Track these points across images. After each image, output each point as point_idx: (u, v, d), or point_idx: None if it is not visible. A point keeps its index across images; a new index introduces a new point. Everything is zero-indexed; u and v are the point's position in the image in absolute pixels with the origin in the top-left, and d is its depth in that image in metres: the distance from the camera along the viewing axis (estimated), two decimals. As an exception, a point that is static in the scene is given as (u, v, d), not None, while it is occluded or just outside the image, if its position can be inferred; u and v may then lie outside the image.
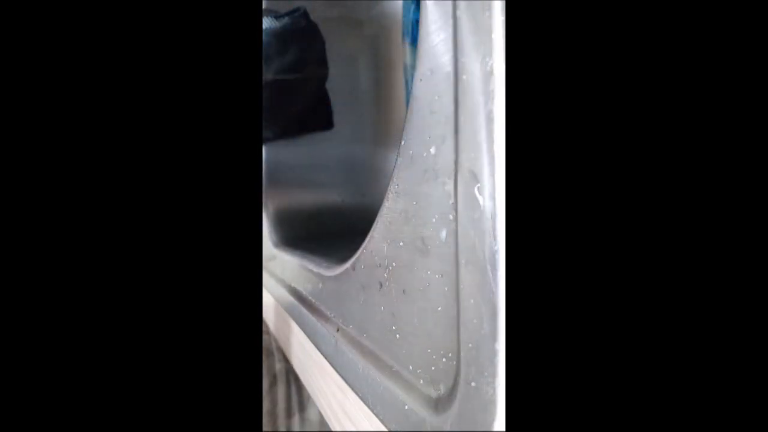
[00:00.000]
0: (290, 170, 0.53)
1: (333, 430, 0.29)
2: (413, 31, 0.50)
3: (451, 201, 0.14)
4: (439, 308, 0.15)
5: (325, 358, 0.29)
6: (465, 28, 0.13)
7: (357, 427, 0.24)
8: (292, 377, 0.60)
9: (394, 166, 0.18)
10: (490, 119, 0.12)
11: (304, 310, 0.33)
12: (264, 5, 0.49)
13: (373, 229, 0.20)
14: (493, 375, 0.12)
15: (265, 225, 0.51)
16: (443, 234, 0.15)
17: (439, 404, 0.15)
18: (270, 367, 0.60)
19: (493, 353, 0.12)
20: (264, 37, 0.44)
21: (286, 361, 0.58)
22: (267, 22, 0.44)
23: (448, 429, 0.14)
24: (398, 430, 0.18)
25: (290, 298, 0.38)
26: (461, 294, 0.13)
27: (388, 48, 0.55)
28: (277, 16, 0.45)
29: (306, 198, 0.54)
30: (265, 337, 0.59)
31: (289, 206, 0.52)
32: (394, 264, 0.18)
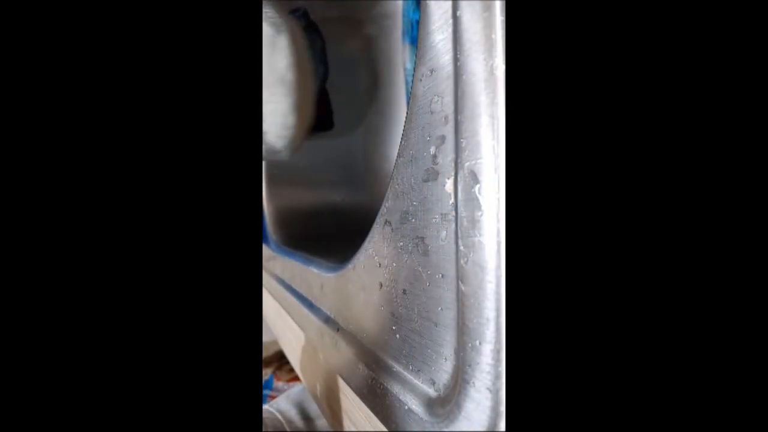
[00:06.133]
0: (290, 170, 0.53)
1: (333, 430, 0.29)
2: (413, 31, 0.50)
3: (451, 201, 0.14)
4: (439, 308, 0.15)
5: (326, 358, 0.29)
6: (465, 28, 0.13)
7: (357, 427, 0.24)
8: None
9: (394, 166, 0.18)
10: (490, 119, 0.12)
11: (304, 310, 0.33)
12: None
13: (373, 229, 0.20)
14: (494, 375, 0.12)
15: (265, 225, 0.51)
16: (443, 234, 0.15)
17: (439, 404, 0.15)
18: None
19: (494, 353, 0.12)
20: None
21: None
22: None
23: (448, 429, 0.14)
24: (398, 430, 0.18)
25: (290, 298, 0.38)
26: (461, 294, 0.13)
27: (388, 48, 0.55)
28: (277, 16, 0.45)
29: (305, 198, 0.54)
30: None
31: (289, 206, 0.52)
32: (394, 264, 0.18)
